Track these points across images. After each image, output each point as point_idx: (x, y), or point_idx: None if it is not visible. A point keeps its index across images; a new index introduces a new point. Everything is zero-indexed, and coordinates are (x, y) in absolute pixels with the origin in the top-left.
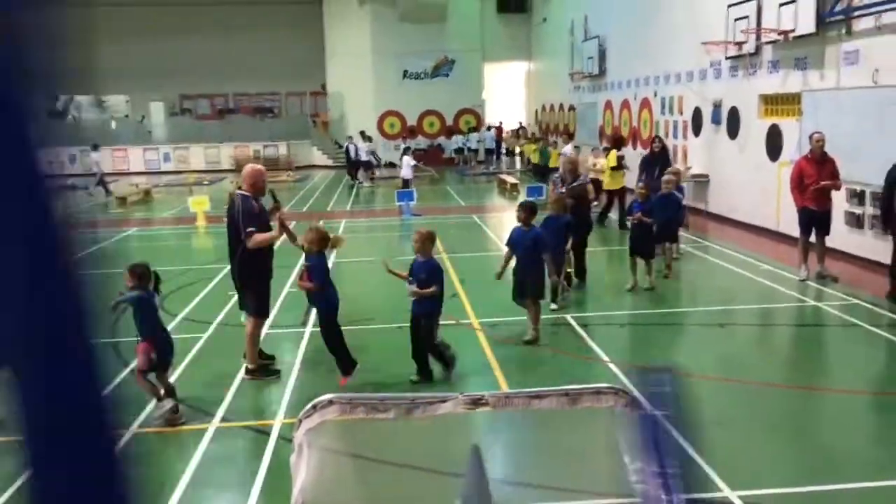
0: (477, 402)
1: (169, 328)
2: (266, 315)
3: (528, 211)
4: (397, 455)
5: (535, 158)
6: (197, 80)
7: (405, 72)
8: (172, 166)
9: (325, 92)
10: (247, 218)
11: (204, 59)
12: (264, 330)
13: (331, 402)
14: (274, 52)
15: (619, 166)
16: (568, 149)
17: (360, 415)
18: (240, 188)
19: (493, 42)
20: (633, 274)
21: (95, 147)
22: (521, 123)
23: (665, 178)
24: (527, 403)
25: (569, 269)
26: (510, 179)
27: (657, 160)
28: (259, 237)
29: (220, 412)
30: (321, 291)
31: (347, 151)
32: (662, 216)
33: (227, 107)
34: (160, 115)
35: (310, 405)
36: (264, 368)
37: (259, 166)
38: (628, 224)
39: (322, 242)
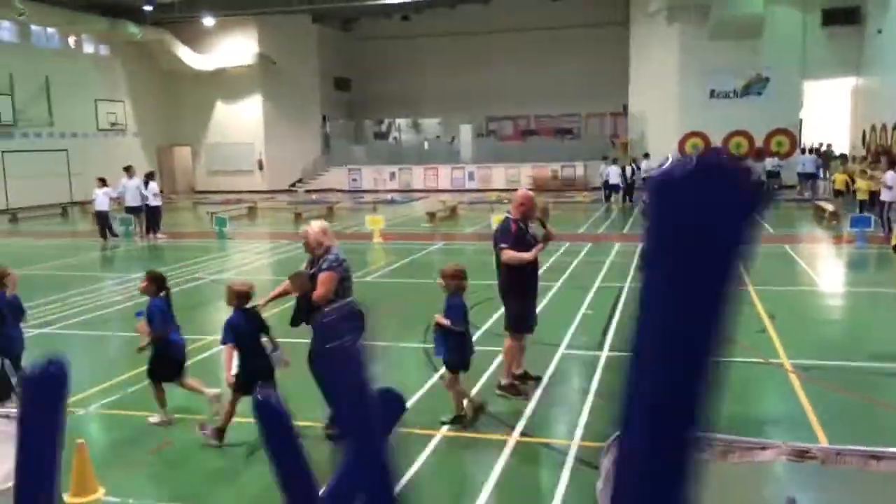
0: (803, 455)
1: (473, 339)
2: (522, 331)
3: (149, 280)
4: (707, 496)
5: (862, 194)
6: (502, 103)
7: (712, 91)
8: (476, 185)
9: (625, 113)
10: (501, 236)
11: (510, 82)
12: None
13: None
14: (577, 74)
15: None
16: (890, 176)
17: None
18: (508, 212)
19: (815, 57)
20: None
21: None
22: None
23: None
24: (863, 463)
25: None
26: (829, 207)
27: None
28: (509, 253)
29: (520, 426)
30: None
31: (624, 172)
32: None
33: (529, 128)
34: (468, 136)
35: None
36: (513, 387)
37: (528, 192)
38: None
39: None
